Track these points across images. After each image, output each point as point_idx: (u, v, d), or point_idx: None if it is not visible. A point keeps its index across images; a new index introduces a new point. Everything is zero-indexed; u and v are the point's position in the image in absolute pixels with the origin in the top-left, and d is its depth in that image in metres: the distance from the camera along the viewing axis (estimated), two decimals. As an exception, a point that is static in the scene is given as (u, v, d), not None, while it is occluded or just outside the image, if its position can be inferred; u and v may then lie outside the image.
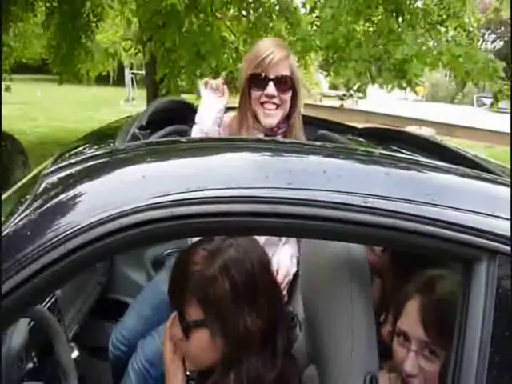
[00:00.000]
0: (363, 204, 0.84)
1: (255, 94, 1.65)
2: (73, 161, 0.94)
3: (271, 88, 1.62)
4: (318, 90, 15.07)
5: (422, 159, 0.99)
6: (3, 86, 7.75)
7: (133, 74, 16.66)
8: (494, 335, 0.83)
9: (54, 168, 0.94)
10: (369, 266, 1.73)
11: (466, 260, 0.88)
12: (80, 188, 0.85)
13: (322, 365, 1.09)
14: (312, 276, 1.12)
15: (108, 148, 0.96)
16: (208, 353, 1.03)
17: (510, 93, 5.61)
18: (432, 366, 1.12)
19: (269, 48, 1.68)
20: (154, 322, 2.00)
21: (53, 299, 1.60)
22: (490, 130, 12.07)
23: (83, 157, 0.94)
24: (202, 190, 0.80)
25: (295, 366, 1.09)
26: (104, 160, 0.90)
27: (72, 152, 1.01)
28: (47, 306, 1.54)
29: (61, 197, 0.84)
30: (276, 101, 1.65)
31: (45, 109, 13.50)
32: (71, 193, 0.84)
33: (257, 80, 1.64)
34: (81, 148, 1.03)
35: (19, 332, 1.38)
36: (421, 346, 1.13)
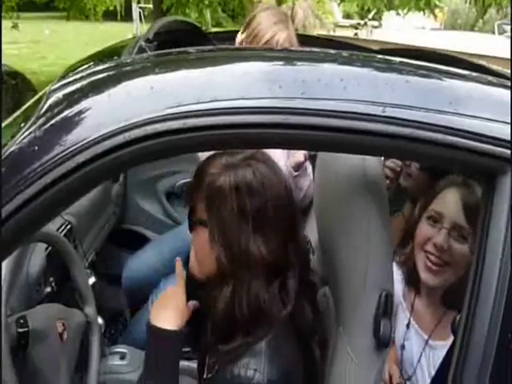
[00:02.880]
0: (382, 113, 0.79)
1: None
2: (78, 76, 0.90)
3: None
4: (332, 20, 14.55)
5: (442, 67, 0.93)
6: (10, 24, 7.60)
7: (140, 8, 16.21)
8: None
9: (59, 85, 0.91)
10: (403, 191, 1.74)
11: (490, 172, 0.84)
12: (86, 102, 0.81)
13: (336, 285, 1.09)
14: (326, 196, 1.09)
15: (114, 62, 0.92)
16: (206, 254, 1.02)
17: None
18: (459, 247, 1.25)
19: (270, 28, 1.62)
20: (172, 266, 2.01)
21: (68, 227, 1.61)
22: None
23: (88, 72, 0.90)
24: (215, 101, 0.76)
25: (312, 306, 1.07)
26: (110, 73, 0.86)
27: (78, 69, 0.97)
28: (63, 233, 1.55)
29: (66, 112, 0.80)
30: None
31: (54, 47, 13.27)
32: (77, 108, 0.80)
33: None
34: (87, 65, 0.98)
35: (37, 257, 1.40)
36: (454, 226, 1.26)
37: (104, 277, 2.13)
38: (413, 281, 1.36)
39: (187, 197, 1.07)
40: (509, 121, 0.83)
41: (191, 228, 1.07)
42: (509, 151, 0.82)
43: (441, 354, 1.25)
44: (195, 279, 1.10)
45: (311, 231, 1.58)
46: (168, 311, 1.06)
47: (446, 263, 1.27)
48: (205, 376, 1.02)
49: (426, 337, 1.32)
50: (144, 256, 2.10)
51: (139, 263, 2.08)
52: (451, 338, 1.28)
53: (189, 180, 2.37)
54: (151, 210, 2.41)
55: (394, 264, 1.37)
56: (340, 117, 0.78)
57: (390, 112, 0.80)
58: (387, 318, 0.97)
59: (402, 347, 1.34)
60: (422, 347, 1.32)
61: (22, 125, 0.83)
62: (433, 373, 1.26)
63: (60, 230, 1.56)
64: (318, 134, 0.79)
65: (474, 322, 0.82)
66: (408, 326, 1.35)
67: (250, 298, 0.98)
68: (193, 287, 1.11)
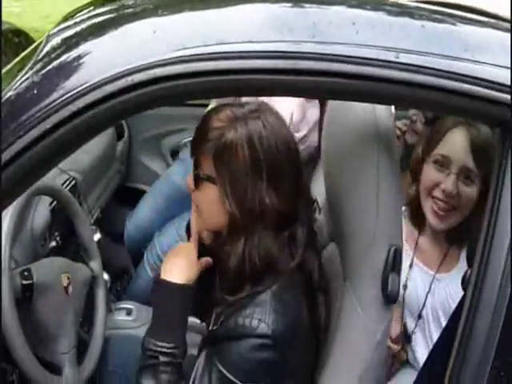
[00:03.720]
0: (395, 59, 0.76)
1: None
2: (78, 20, 0.87)
3: None
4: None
5: (460, 12, 0.88)
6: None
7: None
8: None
9: (58, 29, 0.87)
10: (410, 148, 1.72)
11: (506, 122, 0.81)
12: (86, 46, 0.78)
13: (344, 240, 1.07)
14: (334, 148, 1.06)
15: (115, 4, 0.88)
16: (216, 211, 1.00)
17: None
18: (468, 190, 1.24)
19: None
20: (168, 214, 2.01)
21: (72, 183, 1.60)
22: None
23: (88, 15, 0.86)
24: (221, 44, 0.73)
25: (318, 258, 1.07)
26: (111, 16, 0.82)
27: (78, 14, 0.93)
28: (67, 189, 1.54)
29: (65, 56, 0.77)
30: None
31: (57, 5, 13.02)
32: (76, 51, 0.77)
33: None
34: (87, 9, 0.94)
35: (41, 211, 1.39)
36: (462, 170, 1.23)
37: (109, 234, 2.13)
38: (417, 222, 1.36)
39: (192, 149, 1.04)
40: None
41: (196, 184, 1.03)
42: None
43: (444, 284, 1.32)
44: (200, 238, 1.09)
45: (317, 190, 1.57)
46: (179, 266, 1.04)
47: (454, 208, 1.26)
48: (210, 328, 1.02)
49: (432, 272, 1.33)
50: (141, 210, 2.11)
51: (138, 219, 2.09)
52: (455, 269, 1.31)
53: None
54: (156, 168, 2.39)
55: None
56: (352, 62, 0.75)
57: (404, 58, 0.76)
58: (395, 273, 0.96)
59: (405, 287, 1.34)
60: (429, 283, 1.32)
61: (21, 69, 0.80)
62: (438, 305, 1.29)
63: (65, 185, 1.54)
64: (329, 81, 0.76)
65: (486, 275, 0.80)
66: (411, 265, 1.35)
67: (262, 249, 0.97)
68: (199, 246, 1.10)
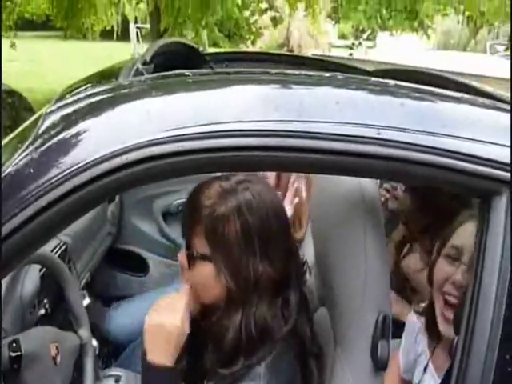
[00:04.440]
0: (377, 136, 0.80)
1: None
2: (75, 98, 0.91)
3: None
4: (327, 40, 14.71)
5: (437, 90, 0.94)
6: (8, 43, 7.65)
7: (138, 28, 16.34)
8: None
9: (55, 106, 0.91)
10: (392, 213, 1.76)
11: (485, 194, 0.85)
12: (83, 124, 0.81)
13: (334, 305, 1.08)
14: (323, 215, 1.09)
15: (111, 84, 0.92)
16: (211, 287, 1.00)
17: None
18: None
19: None
20: None
21: (63, 247, 1.60)
22: (503, 78, 11.75)
23: (85, 94, 0.90)
24: (212, 124, 0.77)
25: (309, 322, 1.07)
26: (107, 96, 0.86)
27: (75, 91, 0.98)
28: (57, 254, 1.54)
29: (63, 134, 0.81)
30: None
31: (52, 66, 13.34)
32: (74, 130, 0.81)
33: None
34: (84, 87, 0.99)
35: (31, 279, 1.39)
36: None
37: (98, 297, 2.11)
38: (433, 331, 1.24)
39: (183, 229, 1.05)
40: (503, 143, 0.83)
41: (190, 264, 1.02)
42: (504, 173, 0.82)
43: None
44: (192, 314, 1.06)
45: (307, 251, 1.59)
46: (166, 345, 0.99)
47: None
48: None
49: (438, 380, 1.24)
50: (127, 311, 2.03)
51: (123, 318, 2.01)
52: None
53: (185, 200, 2.38)
54: (147, 230, 2.40)
55: (414, 314, 1.33)
56: (336, 139, 0.79)
57: (385, 134, 0.81)
58: (385, 339, 0.97)
59: None
60: None
61: (19, 146, 0.83)
62: None
63: (55, 250, 1.54)
64: (315, 157, 0.79)
65: (472, 344, 0.81)
66: (425, 369, 1.28)
67: (258, 318, 0.97)
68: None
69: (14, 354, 1.06)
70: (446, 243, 1.20)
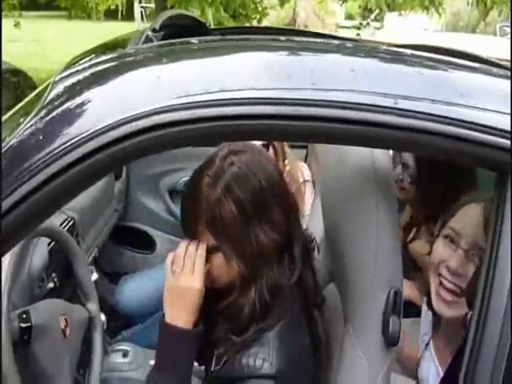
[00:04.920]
0: (393, 105, 0.78)
1: None
2: (81, 67, 0.89)
3: None
4: (333, 21, 14.52)
5: (453, 59, 0.91)
6: (12, 23, 7.59)
7: (142, 7, 16.21)
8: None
9: (62, 76, 0.89)
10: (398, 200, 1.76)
11: (502, 167, 0.83)
12: (90, 92, 0.79)
13: (344, 281, 1.07)
14: (334, 189, 1.08)
15: (117, 52, 0.90)
16: (226, 274, 1.01)
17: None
18: (471, 268, 1.09)
19: None
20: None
21: (70, 223, 1.60)
22: (512, 61, 11.58)
23: (92, 62, 0.88)
24: (224, 91, 0.75)
25: (312, 271, 1.07)
26: (114, 63, 0.84)
27: (82, 60, 0.96)
28: (65, 229, 1.53)
29: (70, 102, 0.78)
30: None
31: (56, 45, 13.26)
32: (81, 98, 0.79)
33: None
34: (91, 56, 0.97)
35: (39, 253, 1.38)
36: (472, 247, 1.10)
37: (105, 274, 2.12)
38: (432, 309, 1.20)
39: (186, 231, 1.04)
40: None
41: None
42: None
43: None
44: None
45: (314, 227, 1.57)
46: (185, 308, 1.00)
47: (463, 293, 1.09)
48: (212, 368, 1.00)
49: (440, 370, 1.22)
50: (135, 286, 2.04)
51: (130, 292, 2.02)
52: None
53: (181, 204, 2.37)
54: (154, 208, 2.39)
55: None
56: (351, 108, 0.77)
57: (403, 104, 0.78)
58: (396, 315, 0.96)
59: (421, 358, 1.29)
60: (436, 375, 1.23)
61: (25, 117, 0.81)
62: None
63: (63, 225, 1.54)
64: (329, 126, 0.78)
65: (487, 321, 0.80)
66: (426, 346, 1.28)
67: (270, 285, 0.98)
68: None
69: (24, 325, 1.06)
70: (446, 224, 1.18)
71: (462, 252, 1.11)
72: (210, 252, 1.00)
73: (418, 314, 1.46)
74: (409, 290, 1.66)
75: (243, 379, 0.93)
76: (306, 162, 2.37)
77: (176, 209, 2.38)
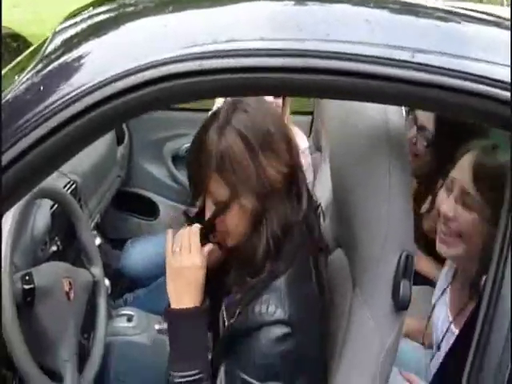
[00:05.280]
0: (411, 59, 0.74)
1: None
2: (83, 17, 0.85)
3: None
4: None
5: (472, 13, 0.87)
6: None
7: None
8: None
9: (62, 27, 0.85)
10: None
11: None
12: (93, 43, 0.76)
13: (352, 246, 1.05)
14: (344, 150, 1.04)
15: (116, 3, 0.86)
16: (239, 225, 1.01)
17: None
18: (467, 215, 1.17)
19: None
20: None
21: (73, 186, 1.57)
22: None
23: (94, 13, 0.84)
24: (232, 42, 0.71)
25: (316, 218, 1.10)
26: (112, 14, 0.80)
27: (83, 12, 0.91)
28: (68, 192, 1.51)
29: (72, 53, 0.75)
30: None
31: (54, 10, 13.04)
32: (84, 48, 0.75)
33: None
34: (92, 8, 0.92)
35: (42, 215, 1.36)
36: (462, 193, 1.17)
37: (108, 239, 2.11)
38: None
39: (195, 189, 1.04)
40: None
41: (216, 216, 1.02)
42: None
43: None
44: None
45: (320, 194, 1.55)
46: (186, 287, 1.01)
47: (457, 234, 1.20)
48: (226, 323, 1.00)
49: (450, 318, 1.29)
50: (139, 250, 2.04)
51: (136, 256, 2.02)
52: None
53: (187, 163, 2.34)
54: (157, 174, 2.37)
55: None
56: (367, 62, 0.73)
57: (420, 58, 0.74)
58: (407, 279, 0.94)
59: (433, 308, 1.34)
60: (447, 325, 1.28)
61: (22, 70, 0.78)
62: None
63: (65, 188, 1.52)
64: (342, 80, 0.74)
65: (503, 284, 0.78)
66: (443, 293, 1.33)
67: (280, 220, 0.99)
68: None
69: (27, 287, 1.05)
70: (449, 174, 1.24)
71: (452, 198, 1.19)
72: (223, 207, 1.00)
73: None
74: (423, 263, 1.64)
75: (258, 328, 0.93)
76: (311, 129, 2.33)
77: (179, 175, 2.36)
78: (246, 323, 0.95)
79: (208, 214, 1.04)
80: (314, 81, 0.74)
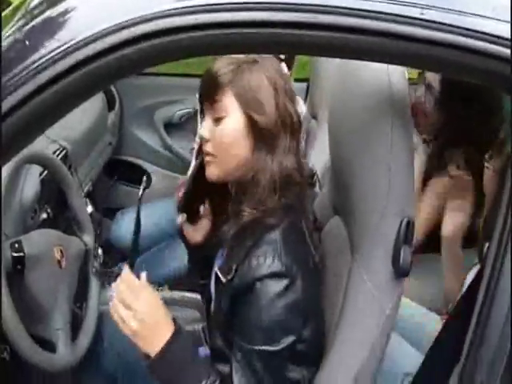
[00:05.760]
0: (420, 16, 0.70)
1: None
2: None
3: None
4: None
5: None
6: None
7: None
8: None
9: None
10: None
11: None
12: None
13: (352, 212, 1.02)
14: (343, 110, 1.01)
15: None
16: (239, 143, 1.00)
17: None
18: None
19: None
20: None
21: (63, 153, 1.53)
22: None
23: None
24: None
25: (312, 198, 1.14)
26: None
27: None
28: (58, 158, 1.47)
29: (63, 4, 0.71)
30: None
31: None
32: (62, 6, 0.71)
33: None
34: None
35: (31, 182, 1.33)
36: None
37: (100, 209, 2.07)
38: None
39: (207, 97, 1.02)
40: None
41: (218, 122, 1.02)
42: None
43: None
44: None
45: (315, 159, 1.51)
46: (159, 324, 0.99)
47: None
48: (224, 280, 0.99)
49: None
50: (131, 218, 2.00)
51: (128, 224, 1.98)
52: None
53: (188, 110, 2.28)
54: (148, 141, 2.32)
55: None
56: (375, 18, 0.69)
57: (429, 15, 0.71)
58: (407, 245, 0.92)
59: None
60: None
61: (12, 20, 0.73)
62: None
63: (55, 155, 1.47)
64: (350, 38, 0.70)
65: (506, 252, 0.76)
66: None
67: (283, 167, 0.99)
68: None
69: (16, 255, 1.02)
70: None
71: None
72: (228, 117, 1.00)
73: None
74: None
75: (257, 279, 0.93)
76: (306, 96, 2.29)
77: (172, 142, 2.32)
78: (245, 277, 0.94)
79: (206, 133, 1.02)
80: (321, 38, 0.70)
